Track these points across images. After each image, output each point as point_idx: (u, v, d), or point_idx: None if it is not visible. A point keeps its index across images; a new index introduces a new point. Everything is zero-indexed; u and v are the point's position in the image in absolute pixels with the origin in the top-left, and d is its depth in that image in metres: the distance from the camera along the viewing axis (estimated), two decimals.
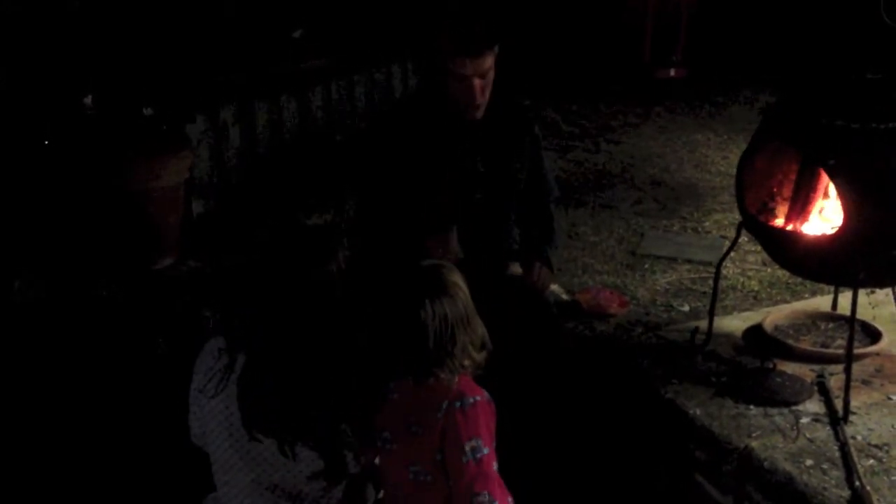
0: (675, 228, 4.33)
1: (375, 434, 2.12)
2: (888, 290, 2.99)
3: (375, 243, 2.81)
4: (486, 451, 2.00)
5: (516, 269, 2.97)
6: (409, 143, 2.85)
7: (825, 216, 2.77)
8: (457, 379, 2.05)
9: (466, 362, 2.04)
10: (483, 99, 2.79)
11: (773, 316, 3.10)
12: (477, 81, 2.74)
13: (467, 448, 1.99)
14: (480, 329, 2.08)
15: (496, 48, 2.77)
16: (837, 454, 2.44)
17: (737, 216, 3.01)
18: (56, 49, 4.31)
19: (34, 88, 4.21)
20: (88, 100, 4.26)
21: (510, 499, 2.07)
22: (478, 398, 2.03)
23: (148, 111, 4.27)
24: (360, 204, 3.24)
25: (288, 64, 5.66)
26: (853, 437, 2.50)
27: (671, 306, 3.43)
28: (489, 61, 2.75)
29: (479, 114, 2.83)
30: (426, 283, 2.06)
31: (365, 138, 3.12)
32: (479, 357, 2.07)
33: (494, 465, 2.03)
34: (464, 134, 2.87)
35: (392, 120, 3.03)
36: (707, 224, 4.36)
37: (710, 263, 3.72)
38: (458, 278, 2.08)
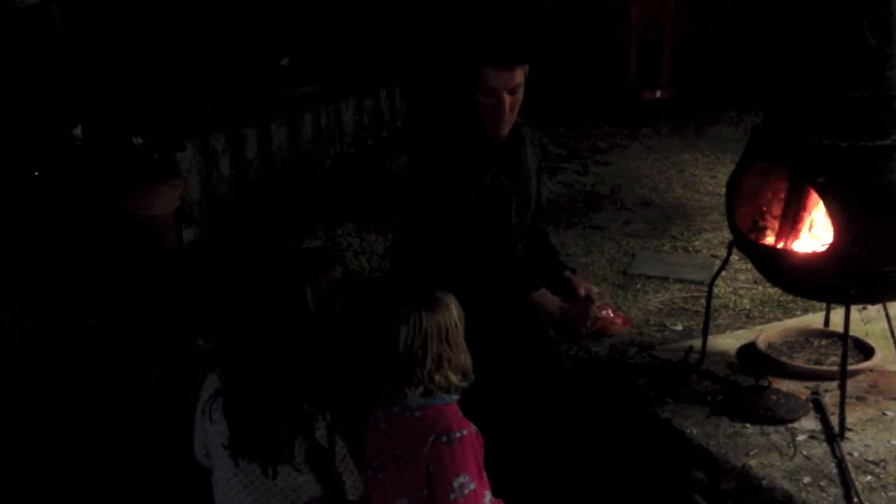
0: (665, 248, 4.35)
1: (367, 462, 2.12)
2: (880, 307, 3.00)
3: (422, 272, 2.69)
4: (473, 486, 1.99)
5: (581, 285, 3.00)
6: (453, 169, 2.73)
7: (815, 234, 2.79)
8: (440, 406, 2.05)
9: (437, 378, 2.03)
10: (512, 116, 2.70)
11: (767, 334, 3.11)
12: (506, 96, 2.64)
13: (455, 484, 1.98)
14: (464, 357, 2.08)
15: (527, 66, 2.68)
16: (835, 471, 2.44)
17: (727, 235, 3.02)
18: (43, 78, 4.32)
19: (22, 119, 4.20)
20: (78, 130, 4.26)
21: None
22: (465, 432, 2.02)
23: (138, 140, 4.28)
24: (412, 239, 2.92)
25: (277, 91, 5.69)
26: (850, 454, 2.50)
27: (664, 326, 3.44)
28: (519, 77, 2.67)
29: (505, 131, 2.73)
30: (411, 295, 2.08)
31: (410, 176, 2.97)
32: (457, 381, 2.06)
33: (487, 498, 2.03)
34: (488, 152, 2.77)
35: (432, 149, 2.86)
36: (697, 243, 4.39)
37: (701, 282, 3.74)
38: (451, 301, 2.09)
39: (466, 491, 1.98)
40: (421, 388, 2.03)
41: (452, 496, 1.97)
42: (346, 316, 2.09)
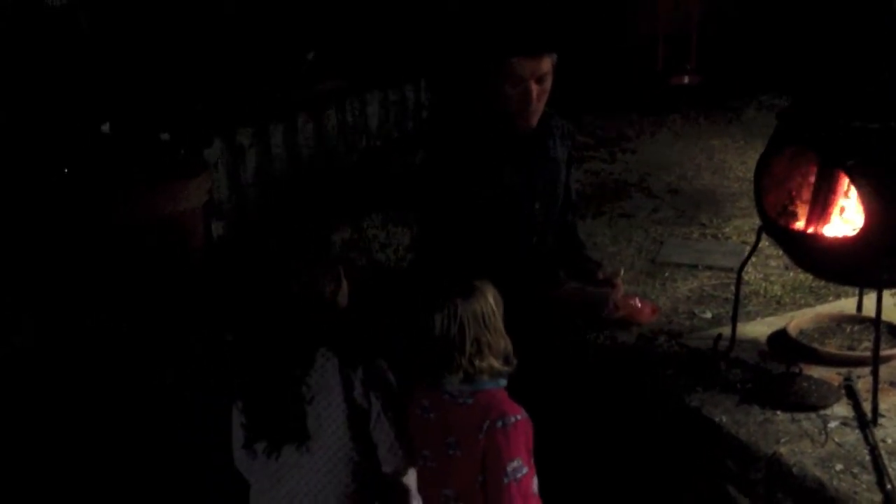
0: (694, 235, 4.31)
1: (415, 451, 2.13)
2: None
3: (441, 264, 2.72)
4: (525, 470, 2.01)
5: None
6: (470, 163, 2.74)
7: (846, 217, 2.74)
8: (492, 391, 2.05)
9: (478, 363, 2.03)
10: (539, 105, 2.70)
11: (798, 320, 3.07)
12: (533, 86, 2.65)
13: (509, 469, 1.99)
14: (504, 342, 2.08)
15: (555, 55, 2.68)
16: (867, 458, 2.41)
17: (756, 221, 2.98)
18: (71, 75, 4.36)
19: (51, 117, 4.26)
20: (106, 127, 4.31)
21: None
22: (519, 417, 2.03)
23: (165, 136, 4.31)
24: (427, 230, 2.97)
25: (302, 86, 5.71)
26: (883, 440, 2.46)
27: (693, 314, 3.41)
28: (546, 65, 2.66)
29: (534, 122, 2.73)
30: (447, 283, 2.09)
31: (427, 167, 2.97)
32: (499, 365, 2.06)
33: (534, 483, 2.04)
34: (512, 144, 2.77)
35: (450, 143, 2.87)
36: (727, 230, 4.34)
37: (731, 269, 3.69)
38: (486, 287, 2.09)
39: (520, 475, 2.00)
40: (461, 374, 2.03)
41: (506, 480, 1.98)
42: (358, 302, 2.12)
